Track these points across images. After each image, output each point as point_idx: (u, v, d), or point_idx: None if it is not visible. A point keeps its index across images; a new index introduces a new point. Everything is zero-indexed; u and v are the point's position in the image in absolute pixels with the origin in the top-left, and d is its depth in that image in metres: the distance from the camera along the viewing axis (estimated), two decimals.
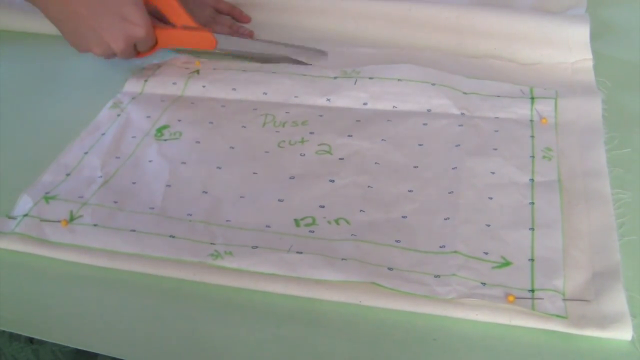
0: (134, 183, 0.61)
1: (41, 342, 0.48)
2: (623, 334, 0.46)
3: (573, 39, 0.74)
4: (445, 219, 0.56)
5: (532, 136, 0.64)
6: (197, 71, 0.77)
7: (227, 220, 0.57)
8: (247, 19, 0.90)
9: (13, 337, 0.49)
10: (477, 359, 0.46)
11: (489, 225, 0.55)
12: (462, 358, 0.46)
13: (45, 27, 0.88)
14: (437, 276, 0.50)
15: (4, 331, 0.49)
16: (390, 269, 0.51)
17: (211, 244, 0.54)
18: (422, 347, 0.47)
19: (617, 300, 0.48)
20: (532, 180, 0.59)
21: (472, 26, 0.79)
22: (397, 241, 0.54)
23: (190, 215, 0.57)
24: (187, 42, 0.78)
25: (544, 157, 0.61)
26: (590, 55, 0.72)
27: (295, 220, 0.56)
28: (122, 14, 0.71)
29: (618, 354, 0.46)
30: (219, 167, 0.63)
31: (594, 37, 0.77)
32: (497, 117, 0.67)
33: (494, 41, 0.78)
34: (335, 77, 0.74)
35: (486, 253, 0.52)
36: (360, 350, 0.47)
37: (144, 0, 0.72)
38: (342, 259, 0.52)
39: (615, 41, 0.82)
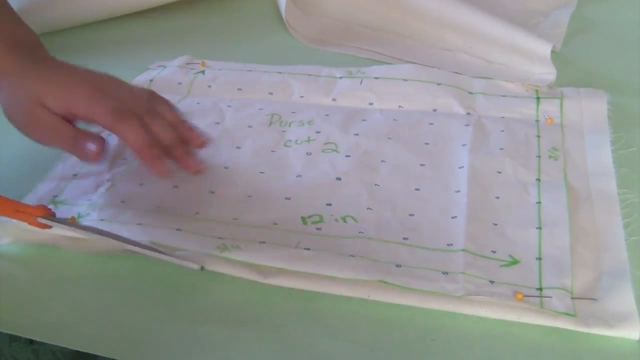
0: (141, 184, 0.61)
1: (41, 343, 0.48)
2: (631, 332, 0.46)
3: (536, 53, 0.76)
4: (452, 217, 0.55)
5: (538, 136, 0.64)
6: (203, 72, 0.77)
7: (234, 219, 0.57)
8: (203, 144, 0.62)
9: (13, 337, 0.49)
10: (477, 358, 0.46)
11: (496, 224, 0.55)
12: (462, 358, 0.46)
13: (45, 26, 0.88)
14: (445, 273, 0.50)
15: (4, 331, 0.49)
16: (398, 265, 0.51)
17: (219, 238, 0.54)
18: (422, 347, 0.46)
19: (625, 299, 0.48)
20: (538, 180, 0.59)
21: (452, 21, 0.82)
22: (405, 238, 0.54)
23: (198, 213, 0.57)
24: None
25: (550, 156, 0.61)
26: (553, 70, 0.72)
27: (303, 218, 0.56)
28: None
29: (623, 355, 0.45)
30: (226, 167, 0.63)
31: (595, 34, 0.78)
32: (502, 117, 0.67)
33: (471, 38, 0.81)
34: (340, 77, 0.74)
35: (494, 251, 0.52)
36: (360, 350, 0.46)
37: None
38: (350, 256, 0.51)
39: (617, 39, 0.82)
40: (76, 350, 0.48)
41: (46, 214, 0.53)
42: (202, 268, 0.51)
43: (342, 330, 0.48)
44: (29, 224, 0.53)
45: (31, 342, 0.49)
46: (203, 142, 0.61)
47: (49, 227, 0.54)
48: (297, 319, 0.49)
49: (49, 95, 0.56)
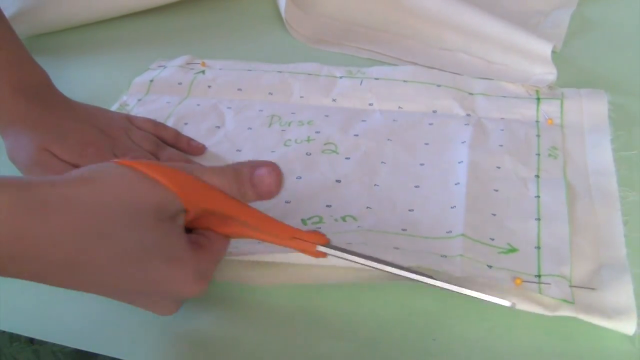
0: None
1: (41, 343, 0.48)
2: (627, 326, 0.46)
3: (536, 53, 0.75)
4: (451, 207, 0.56)
5: (538, 135, 0.64)
6: (203, 71, 0.76)
7: None
8: (199, 150, 0.66)
9: (13, 337, 0.49)
10: (477, 358, 0.46)
11: (494, 215, 0.55)
12: (462, 358, 0.46)
13: (46, 27, 0.89)
14: (443, 256, 0.50)
15: (4, 331, 0.49)
16: (396, 248, 0.51)
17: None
18: (422, 347, 0.47)
19: (624, 292, 0.48)
20: (537, 176, 0.59)
21: (452, 21, 0.82)
22: (404, 230, 0.54)
23: None
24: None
25: (549, 155, 0.61)
26: (554, 70, 0.72)
27: (303, 220, 0.56)
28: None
29: (617, 354, 0.46)
30: None
31: (595, 34, 0.78)
32: (503, 118, 0.67)
33: (471, 38, 0.81)
34: (341, 77, 0.74)
35: (492, 239, 0.52)
36: (360, 350, 0.47)
37: None
38: (348, 243, 0.51)
39: (617, 39, 0.82)
40: (77, 350, 0.48)
41: (324, 242, 0.47)
42: (514, 305, 0.45)
43: (342, 330, 0.48)
44: (304, 252, 0.47)
45: (31, 342, 0.49)
46: (200, 149, 0.66)
47: (325, 256, 0.47)
48: (297, 319, 0.49)
49: (55, 145, 0.60)
